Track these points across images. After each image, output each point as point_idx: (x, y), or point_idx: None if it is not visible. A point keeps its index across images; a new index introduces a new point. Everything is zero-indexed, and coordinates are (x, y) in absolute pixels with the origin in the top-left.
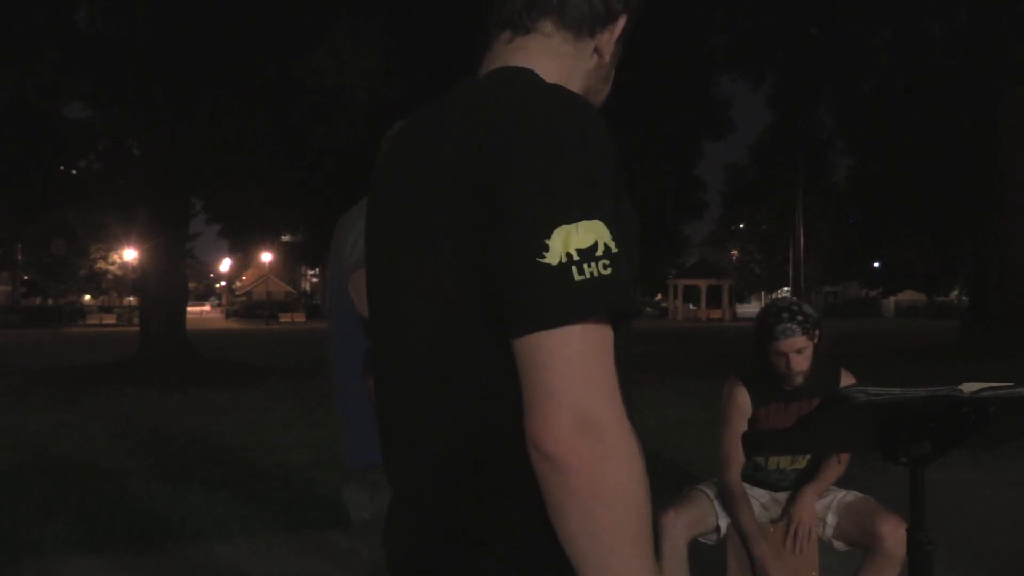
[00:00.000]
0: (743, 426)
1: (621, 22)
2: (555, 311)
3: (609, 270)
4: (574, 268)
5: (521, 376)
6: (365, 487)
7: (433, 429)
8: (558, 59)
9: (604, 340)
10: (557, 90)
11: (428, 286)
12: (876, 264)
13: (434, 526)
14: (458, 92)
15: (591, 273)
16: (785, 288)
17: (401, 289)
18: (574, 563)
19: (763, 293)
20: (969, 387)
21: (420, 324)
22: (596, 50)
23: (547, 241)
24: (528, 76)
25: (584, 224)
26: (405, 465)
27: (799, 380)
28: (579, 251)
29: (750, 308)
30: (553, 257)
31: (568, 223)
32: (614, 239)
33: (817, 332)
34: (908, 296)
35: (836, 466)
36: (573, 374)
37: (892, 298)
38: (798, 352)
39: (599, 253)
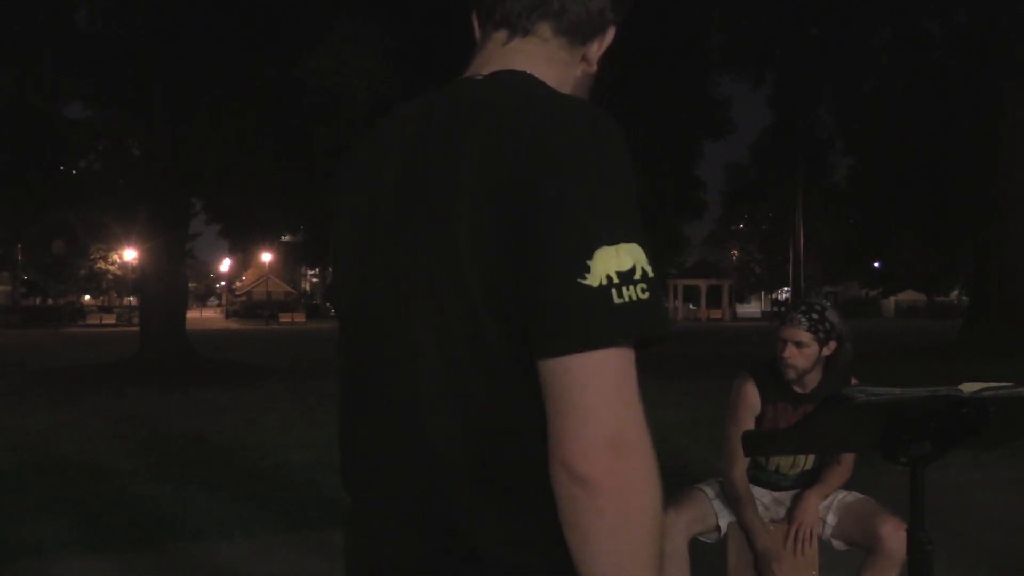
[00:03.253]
0: (750, 423)
1: (611, 33)
2: (594, 333)
3: (646, 294)
4: (614, 291)
5: (550, 395)
6: None
7: (432, 436)
8: (555, 65)
9: (632, 362)
10: (586, 105)
11: (440, 297)
12: (876, 264)
13: (423, 533)
14: (463, 94)
15: (629, 296)
16: (785, 288)
17: (400, 295)
18: None
19: (763, 293)
20: (969, 387)
21: (426, 332)
22: (584, 59)
23: (588, 262)
24: (545, 87)
25: (624, 247)
26: (385, 471)
27: (791, 375)
28: (619, 274)
29: (750, 308)
30: (594, 279)
31: (609, 245)
32: (649, 263)
33: (832, 343)
34: (908, 296)
35: (840, 471)
36: (609, 396)
37: (892, 298)
38: (796, 345)
39: (637, 277)
